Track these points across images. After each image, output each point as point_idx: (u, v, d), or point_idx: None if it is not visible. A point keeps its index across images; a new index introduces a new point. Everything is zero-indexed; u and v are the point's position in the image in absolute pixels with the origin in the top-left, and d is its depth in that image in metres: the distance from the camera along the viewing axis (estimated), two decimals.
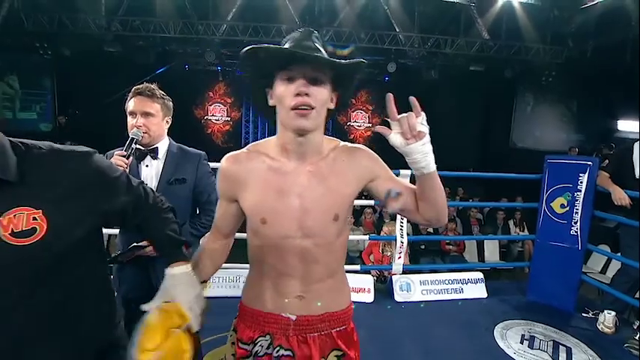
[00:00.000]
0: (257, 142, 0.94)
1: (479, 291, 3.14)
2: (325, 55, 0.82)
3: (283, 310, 0.89)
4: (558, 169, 2.93)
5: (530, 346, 2.42)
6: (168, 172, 1.45)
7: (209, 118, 12.30)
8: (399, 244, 2.92)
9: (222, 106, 12.14)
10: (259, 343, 0.90)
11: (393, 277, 3.00)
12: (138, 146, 1.38)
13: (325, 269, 0.91)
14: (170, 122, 1.51)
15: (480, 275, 3.23)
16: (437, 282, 3.08)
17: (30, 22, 6.20)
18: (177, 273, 0.83)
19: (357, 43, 6.98)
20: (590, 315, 2.86)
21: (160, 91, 1.46)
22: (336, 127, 12.57)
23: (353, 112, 12.09)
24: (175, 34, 6.52)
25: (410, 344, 2.36)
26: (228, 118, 12.23)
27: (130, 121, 1.41)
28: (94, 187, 0.76)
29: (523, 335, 2.55)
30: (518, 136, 10.00)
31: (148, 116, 1.40)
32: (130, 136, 1.36)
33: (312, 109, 0.80)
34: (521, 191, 5.74)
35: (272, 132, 0.92)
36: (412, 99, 0.79)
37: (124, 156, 1.30)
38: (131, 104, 1.42)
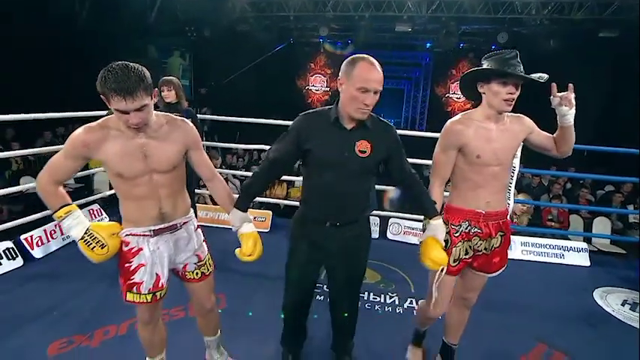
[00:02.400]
0: (466, 112, 1.54)
1: (581, 259, 3.30)
2: (522, 67, 1.39)
3: (477, 208, 1.52)
4: None
5: (632, 310, 2.58)
6: None
7: (309, 88, 13.18)
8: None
9: (322, 77, 12.81)
10: (463, 225, 1.54)
11: None
12: None
13: (501, 185, 1.53)
14: None
15: (583, 245, 3.38)
16: (538, 245, 3.35)
17: (180, 12, 7.61)
18: (438, 223, 1.50)
19: (469, 13, 6.82)
20: None
21: None
22: (433, 98, 12.36)
23: (452, 83, 11.72)
24: (295, 13, 7.28)
25: (506, 294, 2.64)
26: (328, 88, 12.87)
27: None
28: (394, 143, 1.48)
29: (625, 300, 2.71)
30: None
31: None
32: None
33: (513, 100, 1.41)
34: None
35: None
36: (570, 86, 1.40)
37: None
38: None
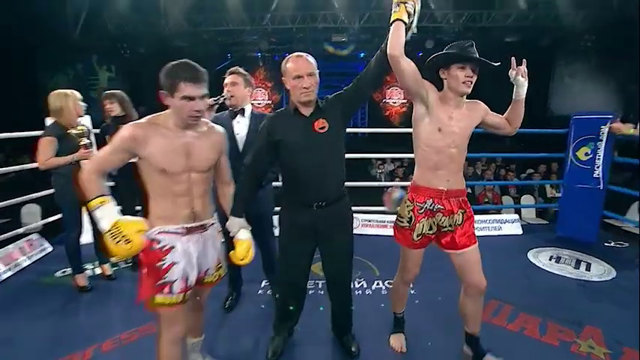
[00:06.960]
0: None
1: (515, 229, 3.79)
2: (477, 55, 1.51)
3: (439, 186, 1.60)
4: (583, 123, 3.47)
5: (557, 262, 3.08)
6: (252, 127, 2.09)
7: (252, 102, 13.15)
8: None
9: (264, 90, 12.87)
10: (427, 202, 1.61)
11: None
12: (228, 106, 2.11)
13: (458, 166, 1.62)
14: (251, 92, 2.19)
15: (515, 216, 3.87)
16: (479, 221, 3.77)
17: (112, 26, 7.25)
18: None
19: None
20: (613, 244, 3.44)
21: (243, 71, 2.16)
22: (372, 104, 13.08)
23: (388, 89, 12.53)
24: (233, 27, 7.34)
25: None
26: (270, 102, 12.95)
27: (225, 88, 2.12)
28: (340, 99, 1.62)
29: (552, 256, 3.21)
30: (556, 105, 10.06)
31: (234, 85, 2.10)
32: (224, 94, 2.10)
33: (472, 82, 1.51)
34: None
35: None
36: (524, 60, 1.59)
37: (214, 102, 2.05)
38: (226, 80, 2.12)
